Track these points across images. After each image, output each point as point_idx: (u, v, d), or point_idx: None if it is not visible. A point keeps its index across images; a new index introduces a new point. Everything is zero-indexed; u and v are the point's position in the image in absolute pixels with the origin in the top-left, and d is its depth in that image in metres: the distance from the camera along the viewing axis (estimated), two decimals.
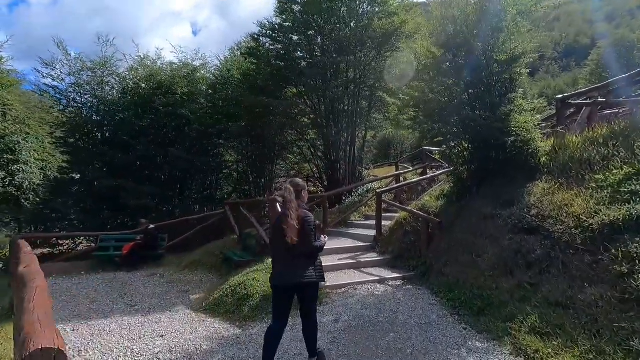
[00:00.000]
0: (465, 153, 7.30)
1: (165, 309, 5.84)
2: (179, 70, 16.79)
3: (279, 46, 12.60)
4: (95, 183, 14.68)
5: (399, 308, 5.05)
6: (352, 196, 11.94)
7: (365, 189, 12.02)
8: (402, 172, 11.54)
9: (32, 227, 17.07)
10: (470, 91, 6.84)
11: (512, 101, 6.38)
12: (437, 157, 8.31)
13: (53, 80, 16.25)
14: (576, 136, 6.45)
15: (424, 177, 9.72)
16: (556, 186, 5.50)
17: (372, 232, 8.35)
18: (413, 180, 9.24)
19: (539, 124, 6.79)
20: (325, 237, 3.46)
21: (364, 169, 14.10)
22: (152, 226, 9.16)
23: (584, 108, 8.04)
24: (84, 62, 16.51)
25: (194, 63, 16.71)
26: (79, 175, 15.32)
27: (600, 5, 67.35)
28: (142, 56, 17.39)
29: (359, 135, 14.75)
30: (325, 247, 3.45)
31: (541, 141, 6.64)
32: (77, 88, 16.57)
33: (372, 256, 7.43)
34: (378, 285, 6.00)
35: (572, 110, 8.57)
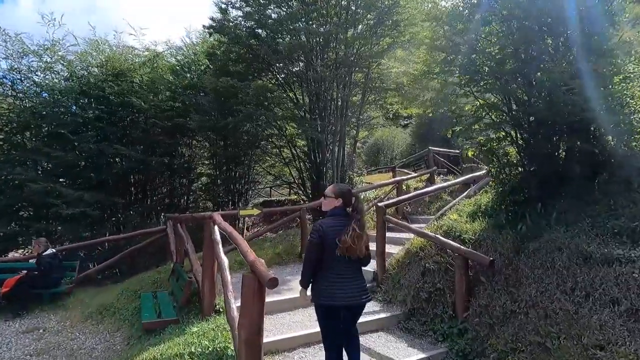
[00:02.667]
0: (522, 143, 4.50)
1: None
2: (138, 56, 13.85)
3: (252, 22, 9.70)
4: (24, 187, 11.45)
5: None
6: None
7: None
8: (403, 178, 8.72)
9: None
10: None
11: None
12: (470, 153, 5.49)
13: None
14: None
15: (443, 185, 6.87)
16: None
17: (370, 264, 5.48)
18: (428, 189, 6.38)
19: None
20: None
21: (355, 175, 11.21)
22: (49, 250, 6.10)
23: None
24: (24, 43, 13.29)
25: (156, 47, 13.76)
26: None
27: None
28: (98, 40, 14.29)
29: (350, 133, 11.92)
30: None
31: None
32: (15, 74, 13.34)
33: (372, 308, 4.55)
34: None
35: None
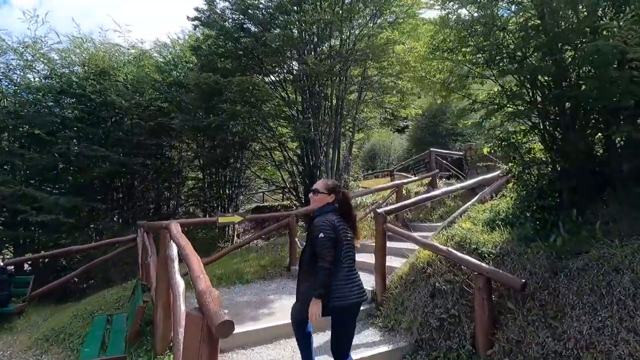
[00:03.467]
0: (552, 136, 3.68)
1: None
2: (123, 54, 13.04)
3: (240, 15, 8.89)
4: None
5: None
6: None
7: (353, 204, 8.30)
8: (403, 181, 7.88)
9: None
10: None
11: None
12: (485, 151, 4.65)
13: None
14: None
15: (451, 188, 6.00)
16: None
17: (367, 280, 4.65)
18: (434, 193, 5.49)
19: None
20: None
21: (351, 179, 10.37)
22: None
23: None
24: (3, 40, 12.42)
25: (143, 45, 12.95)
26: None
27: None
28: (82, 38, 13.46)
29: (346, 134, 11.10)
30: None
31: None
32: None
33: (371, 338, 3.69)
34: None
35: None
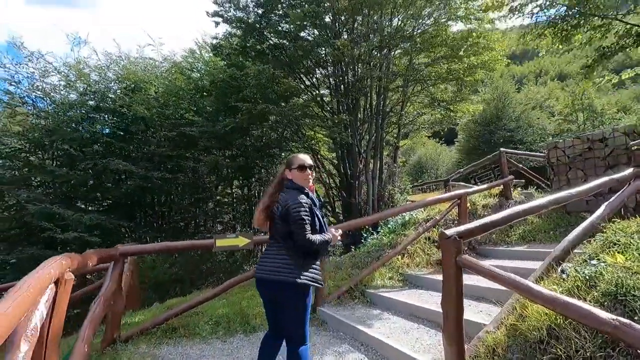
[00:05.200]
0: None
1: None
2: (156, 68, 12.50)
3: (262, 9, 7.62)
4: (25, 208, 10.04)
5: None
6: (377, 233, 6.41)
7: (399, 221, 6.42)
8: (468, 190, 5.87)
9: None
10: None
11: None
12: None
13: (8, 84, 12.13)
14: None
15: (563, 194, 3.85)
16: None
17: (429, 343, 2.83)
18: (540, 202, 3.39)
19: None
20: (336, 231, 2.41)
21: (397, 191, 8.48)
22: None
23: None
24: (47, 62, 12.42)
25: (175, 57, 12.32)
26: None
27: None
28: (121, 55, 13.19)
29: (390, 141, 9.30)
30: None
31: None
32: (37, 92, 12.44)
33: None
34: None
35: None
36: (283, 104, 6.59)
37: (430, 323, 3.46)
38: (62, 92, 12.43)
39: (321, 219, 2.31)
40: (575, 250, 2.95)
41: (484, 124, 22.92)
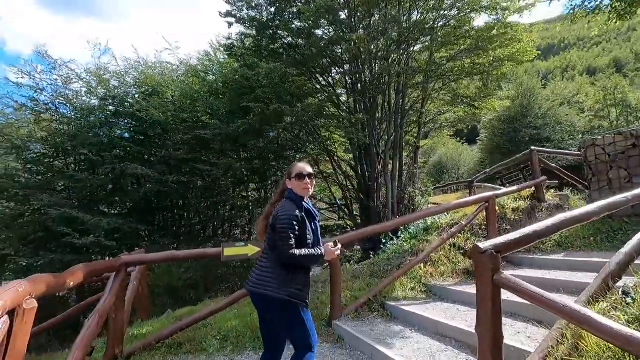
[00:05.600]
0: None
1: None
2: (173, 72, 12.51)
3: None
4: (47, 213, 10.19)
5: None
6: (397, 238, 6.00)
7: (421, 225, 5.98)
8: (497, 192, 5.38)
9: None
10: None
11: None
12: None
13: (34, 91, 12.43)
14: None
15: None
16: None
17: (453, 356, 2.44)
18: (593, 207, 2.94)
19: None
20: (335, 246, 2.24)
21: (417, 192, 8.04)
22: None
23: None
24: (70, 69, 12.65)
25: (190, 60, 12.30)
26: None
27: None
28: (139, 61, 13.30)
29: (410, 141, 8.87)
30: None
31: None
32: (60, 99, 12.70)
33: None
34: None
35: None
36: (298, 105, 6.29)
37: (459, 344, 3.07)
38: (83, 98, 12.64)
39: (317, 232, 2.19)
40: (636, 261, 2.49)
41: (508, 121, 21.98)
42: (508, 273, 4.37)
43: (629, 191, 5.16)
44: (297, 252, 2.02)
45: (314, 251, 2.10)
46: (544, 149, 6.63)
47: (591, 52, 65.67)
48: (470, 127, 21.77)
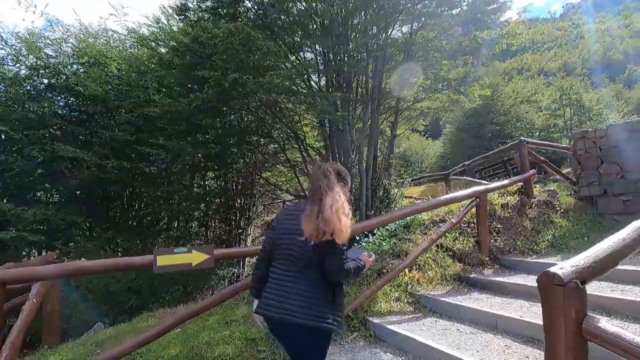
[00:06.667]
0: None
1: None
2: (120, 42, 10.83)
3: None
4: None
5: None
6: (372, 235, 5.21)
7: (401, 222, 5.23)
8: (489, 187, 4.74)
9: None
10: None
11: None
12: None
13: None
14: None
15: None
16: None
17: None
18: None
19: None
20: (371, 255, 1.89)
21: (393, 185, 7.34)
22: None
23: None
24: None
25: (141, 30, 10.66)
26: None
27: None
28: (82, 29, 11.40)
29: (386, 131, 8.14)
30: None
31: None
32: None
33: None
34: None
35: None
36: (262, 78, 5.24)
37: None
38: (8, 67, 10.63)
39: None
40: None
41: (474, 116, 22.13)
42: (502, 279, 3.61)
43: (622, 187, 4.67)
44: (351, 265, 1.72)
45: (358, 263, 1.77)
46: (533, 140, 6.14)
47: (544, 55, 69.39)
48: (431, 122, 21.67)
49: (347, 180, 1.87)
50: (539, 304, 1.38)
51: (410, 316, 3.48)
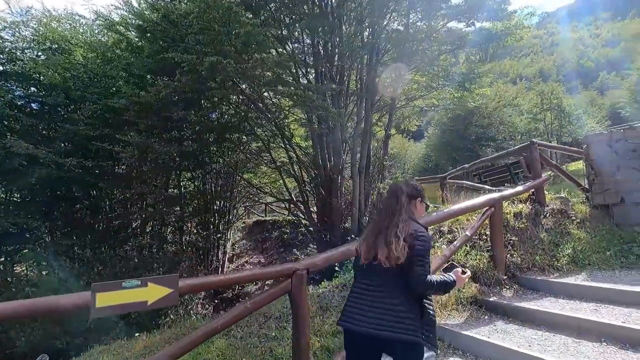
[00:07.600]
0: None
1: None
2: (87, 27, 9.75)
3: None
4: None
5: None
6: None
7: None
8: (504, 194, 4.16)
9: None
10: None
11: None
12: None
13: None
14: None
15: None
16: None
17: None
18: None
19: None
20: (463, 271, 1.83)
21: (387, 188, 6.62)
22: None
23: None
24: None
25: (111, 15, 9.61)
26: None
27: None
28: (45, 12, 10.21)
29: (376, 131, 7.53)
30: None
31: None
32: None
33: None
34: None
35: None
36: (245, 64, 4.45)
37: None
38: None
39: None
40: None
41: (459, 119, 21.95)
42: (529, 305, 2.99)
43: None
44: (433, 279, 1.66)
45: (446, 277, 1.71)
46: (544, 142, 5.63)
47: (521, 61, 71.17)
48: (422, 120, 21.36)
49: (423, 194, 1.86)
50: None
51: (425, 355, 2.82)
